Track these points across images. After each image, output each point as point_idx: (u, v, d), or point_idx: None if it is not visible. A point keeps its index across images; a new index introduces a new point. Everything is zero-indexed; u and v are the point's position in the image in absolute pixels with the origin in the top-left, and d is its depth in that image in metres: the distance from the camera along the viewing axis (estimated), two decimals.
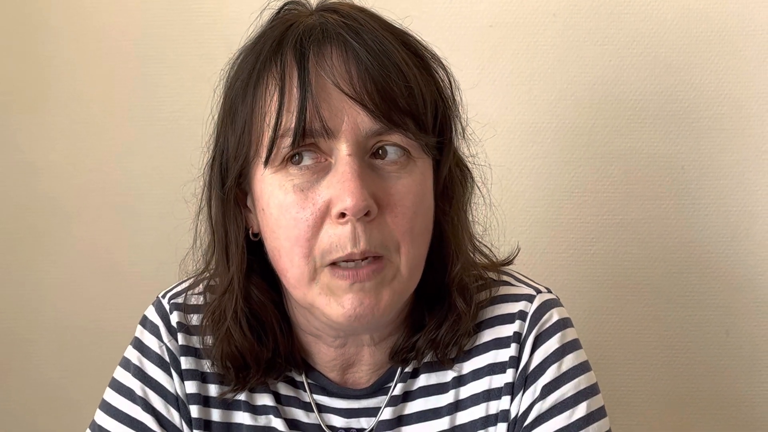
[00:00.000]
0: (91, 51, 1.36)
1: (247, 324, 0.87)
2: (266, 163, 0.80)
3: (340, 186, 0.78)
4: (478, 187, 0.92)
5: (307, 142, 0.79)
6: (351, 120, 0.78)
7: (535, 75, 1.28)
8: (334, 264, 0.80)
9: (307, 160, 0.80)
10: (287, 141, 0.79)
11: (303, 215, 0.79)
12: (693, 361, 1.30)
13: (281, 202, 0.80)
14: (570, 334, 0.90)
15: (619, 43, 1.26)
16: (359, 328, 0.85)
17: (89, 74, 1.37)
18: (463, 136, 0.89)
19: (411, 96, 0.80)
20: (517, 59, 1.28)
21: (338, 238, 0.79)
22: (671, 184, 1.28)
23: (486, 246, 0.93)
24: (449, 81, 0.87)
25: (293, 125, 0.78)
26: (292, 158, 0.80)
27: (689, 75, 1.26)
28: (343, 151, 0.79)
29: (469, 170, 0.90)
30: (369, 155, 0.80)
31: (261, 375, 0.89)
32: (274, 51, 0.81)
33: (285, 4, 0.86)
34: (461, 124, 0.89)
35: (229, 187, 0.84)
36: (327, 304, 0.81)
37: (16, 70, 1.37)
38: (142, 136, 1.37)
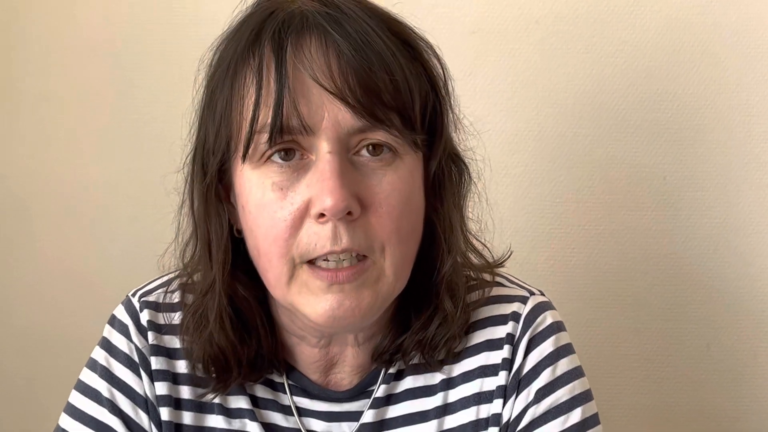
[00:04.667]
0: (62, 50, 1.33)
1: (230, 324, 0.83)
2: (244, 158, 0.77)
3: (320, 185, 0.74)
4: (475, 182, 0.88)
5: (285, 139, 0.75)
6: (332, 116, 0.74)
7: (517, 82, 1.27)
8: (313, 262, 0.76)
9: (286, 157, 0.76)
10: (264, 137, 0.75)
11: (281, 214, 0.76)
12: (673, 375, 1.29)
13: (259, 200, 0.77)
14: (564, 337, 0.88)
15: (602, 52, 1.25)
16: (340, 329, 0.82)
17: (59, 74, 1.33)
18: (456, 129, 0.86)
19: (397, 90, 0.76)
20: (499, 66, 1.27)
21: (318, 237, 0.75)
22: (653, 195, 1.27)
23: (481, 242, 0.89)
24: (442, 71, 0.83)
25: (270, 121, 0.74)
26: (272, 155, 0.76)
27: (671, 85, 1.25)
28: (323, 148, 0.75)
29: (465, 164, 0.86)
30: (352, 152, 0.77)
31: (242, 377, 0.85)
32: (253, 42, 0.77)
33: None
34: (455, 116, 0.85)
35: (209, 183, 0.81)
36: (306, 304, 0.78)
37: None
38: (114, 139, 1.34)
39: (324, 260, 0.76)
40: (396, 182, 0.77)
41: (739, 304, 1.27)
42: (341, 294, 0.76)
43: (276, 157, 0.76)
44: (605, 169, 1.27)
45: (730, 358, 1.28)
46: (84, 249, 1.36)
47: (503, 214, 1.28)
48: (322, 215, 0.75)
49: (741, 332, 1.28)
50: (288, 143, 0.75)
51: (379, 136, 0.76)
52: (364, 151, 0.77)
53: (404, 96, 0.76)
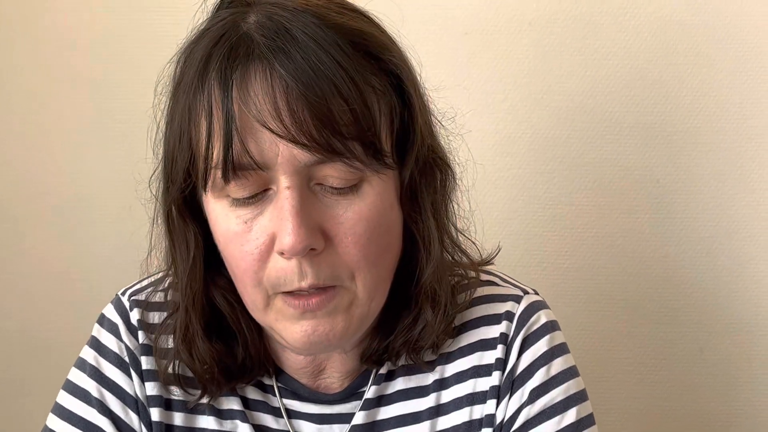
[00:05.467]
0: (47, 50, 1.32)
1: (205, 336, 0.82)
2: (205, 189, 0.75)
3: (279, 223, 0.72)
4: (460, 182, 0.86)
5: (239, 176, 0.72)
6: (286, 152, 0.70)
7: (510, 84, 1.26)
8: (285, 292, 0.75)
9: (246, 191, 0.73)
10: (220, 173, 0.72)
11: (248, 248, 0.74)
12: (667, 379, 1.29)
13: (225, 231, 0.75)
14: (558, 337, 0.86)
15: (595, 54, 1.25)
16: (318, 352, 0.81)
17: (44, 75, 1.32)
18: (434, 131, 0.82)
19: (355, 119, 0.71)
20: (492, 68, 1.26)
21: (284, 273, 0.74)
22: (646, 198, 1.26)
23: (470, 239, 0.88)
24: (414, 75, 0.79)
25: (221, 158, 0.71)
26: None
27: (664, 87, 1.24)
28: (282, 183, 0.72)
29: (447, 164, 0.83)
30: (315, 182, 0.73)
31: (230, 383, 0.84)
32: (202, 72, 0.73)
33: None
34: (435, 120, 0.82)
35: (168, 211, 0.79)
36: (283, 329, 0.77)
37: None
38: (99, 140, 1.33)
39: (296, 292, 0.75)
40: (363, 210, 0.74)
41: (733, 308, 1.27)
42: (314, 321, 0.75)
43: (235, 192, 0.74)
44: (598, 172, 1.26)
45: (723, 363, 1.28)
46: (69, 251, 1.35)
47: (496, 216, 1.28)
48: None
49: (735, 336, 1.27)
50: (245, 176, 0.72)
51: (339, 167, 0.72)
52: (328, 180, 0.73)
53: (364, 122, 0.72)
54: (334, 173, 0.73)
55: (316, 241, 0.72)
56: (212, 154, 0.72)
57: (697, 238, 1.26)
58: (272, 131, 0.70)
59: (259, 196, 0.74)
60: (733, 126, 1.24)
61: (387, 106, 0.75)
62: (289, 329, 0.76)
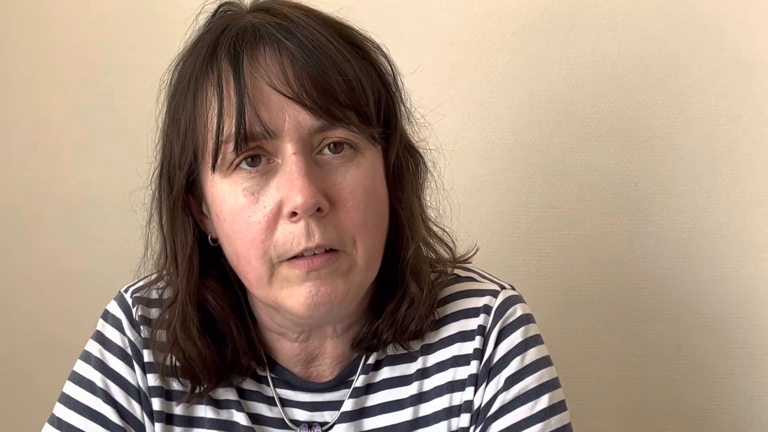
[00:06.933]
0: (51, 58, 1.35)
1: (200, 334, 0.87)
2: (213, 169, 0.81)
3: (289, 185, 0.78)
4: (440, 184, 0.93)
5: (251, 146, 0.79)
6: (292, 119, 0.78)
7: (494, 92, 1.30)
8: (289, 259, 0.80)
9: (253, 163, 0.80)
10: (231, 146, 0.79)
11: (256, 218, 0.80)
12: (646, 376, 1.32)
13: (233, 207, 0.80)
14: (533, 329, 0.91)
15: (575, 63, 1.28)
16: (320, 317, 0.85)
17: (48, 82, 1.35)
18: (409, 121, 0.90)
19: (351, 89, 0.80)
20: (476, 77, 1.30)
21: (292, 235, 0.79)
22: (625, 201, 1.30)
23: (441, 227, 0.94)
24: (391, 68, 0.87)
25: (234, 130, 0.78)
26: (240, 162, 0.80)
27: (642, 95, 1.28)
28: (288, 150, 0.79)
29: (420, 155, 0.91)
30: (315, 152, 0.81)
31: (220, 382, 0.89)
32: (210, 57, 0.81)
33: (219, 6, 0.87)
34: (407, 110, 0.89)
35: (176, 197, 0.84)
36: (287, 297, 0.81)
37: None
38: (101, 145, 1.36)
39: (300, 256, 0.80)
40: (359, 177, 0.81)
41: (709, 306, 1.30)
42: (318, 281, 0.80)
43: (244, 164, 0.80)
44: (579, 176, 1.30)
45: (700, 360, 1.31)
46: (73, 253, 1.38)
47: (480, 219, 1.31)
48: (294, 214, 0.78)
49: (711, 334, 1.30)
50: (254, 149, 0.79)
51: (339, 133, 0.80)
52: (326, 150, 0.81)
53: (358, 94, 0.81)
54: (333, 139, 0.80)
55: (323, 200, 0.79)
56: (223, 128, 0.79)
57: (674, 240, 1.29)
58: (281, 93, 0.77)
59: (265, 168, 0.80)
60: (708, 132, 1.27)
61: (373, 87, 0.83)
62: (294, 294, 0.81)
